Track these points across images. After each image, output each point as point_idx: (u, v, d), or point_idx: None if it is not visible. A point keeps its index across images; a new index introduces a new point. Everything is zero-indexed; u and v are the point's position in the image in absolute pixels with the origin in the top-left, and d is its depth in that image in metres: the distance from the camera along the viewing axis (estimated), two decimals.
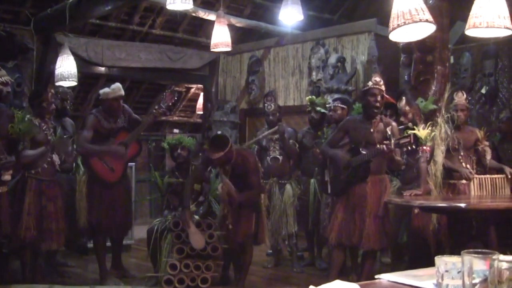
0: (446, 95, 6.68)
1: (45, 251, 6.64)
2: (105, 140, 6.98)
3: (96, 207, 6.99)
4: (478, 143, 6.90)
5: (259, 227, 6.54)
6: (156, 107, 7.30)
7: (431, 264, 2.03)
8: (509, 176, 6.78)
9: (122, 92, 7.24)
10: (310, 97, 8.16)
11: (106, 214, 6.99)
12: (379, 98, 6.05)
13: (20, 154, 6.27)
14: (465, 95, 6.94)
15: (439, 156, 6.51)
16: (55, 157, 6.58)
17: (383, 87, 6.08)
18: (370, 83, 6.14)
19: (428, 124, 6.29)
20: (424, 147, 5.93)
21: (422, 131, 5.99)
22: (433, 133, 6.19)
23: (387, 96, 6.11)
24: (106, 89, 7.21)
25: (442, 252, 6.50)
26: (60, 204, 6.65)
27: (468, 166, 6.77)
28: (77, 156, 7.23)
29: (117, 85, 7.27)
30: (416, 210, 6.38)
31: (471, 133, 6.92)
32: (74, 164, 7.33)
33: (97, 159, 6.93)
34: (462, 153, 6.79)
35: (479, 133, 6.92)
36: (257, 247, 6.88)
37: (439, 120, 6.54)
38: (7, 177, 5.94)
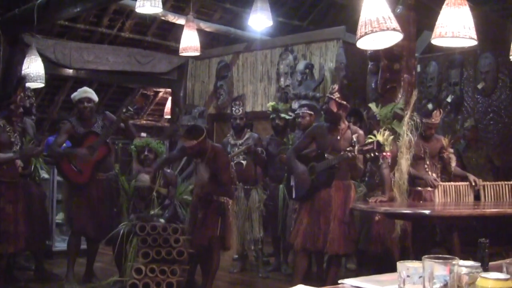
0: (411, 103, 6.73)
1: (1, 254, 6.55)
2: (79, 144, 7.01)
3: (73, 208, 7.07)
4: (443, 151, 6.98)
5: (226, 232, 6.54)
6: (124, 110, 7.27)
7: (395, 270, 2.06)
8: (473, 184, 6.87)
9: (89, 95, 7.18)
10: (272, 103, 8.19)
11: (84, 215, 7.01)
12: (330, 105, 6.12)
13: None
14: (441, 113, 7.00)
15: (404, 165, 6.56)
16: (18, 160, 6.55)
17: (335, 95, 6.10)
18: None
19: (384, 129, 6.36)
20: (384, 153, 5.97)
21: (379, 136, 6.04)
22: (390, 137, 6.23)
23: (343, 102, 6.11)
24: (74, 93, 7.26)
25: (407, 258, 6.57)
26: (20, 207, 6.57)
27: (433, 174, 6.84)
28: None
29: (84, 88, 7.31)
30: (377, 217, 6.42)
31: (436, 141, 7.00)
32: (32, 168, 7.26)
33: (66, 162, 6.97)
34: (428, 162, 6.87)
35: (444, 141, 7.01)
36: (224, 252, 6.87)
37: (404, 128, 6.60)
38: None
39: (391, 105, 6.84)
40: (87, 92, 7.19)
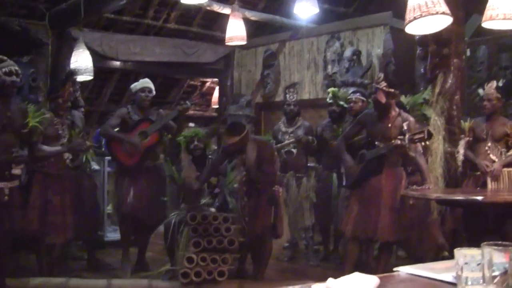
0: (438, 86, 6.69)
1: (51, 245, 6.64)
2: (131, 130, 7.25)
3: (121, 192, 7.30)
4: (508, 138, 6.82)
5: (277, 220, 6.55)
6: (182, 102, 7.39)
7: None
8: None
9: (150, 85, 7.49)
10: (332, 89, 8.11)
11: (132, 199, 7.21)
12: (378, 96, 6.06)
13: (35, 148, 6.31)
14: (495, 85, 6.87)
15: (438, 148, 6.53)
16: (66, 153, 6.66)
17: (381, 84, 6.03)
18: None
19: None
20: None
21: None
22: (416, 125, 6.17)
23: (390, 90, 6.04)
24: (135, 83, 7.60)
25: (448, 244, 6.52)
26: (68, 198, 6.66)
27: (494, 157, 6.71)
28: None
29: (145, 79, 7.67)
30: (411, 201, 6.34)
31: (501, 124, 6.85)
32: (83, 160, 7.37)
33: (117, 144, 7.25)
34: (489, 144, 6.74)
35: (508, 128, 6.84)
36: (274, 240, 6.88)
37: (431, 112, 6.56)
38: (17, 171, 5.95)
39: (419, 94, 6.79)
40: (149, 83, 7.50)
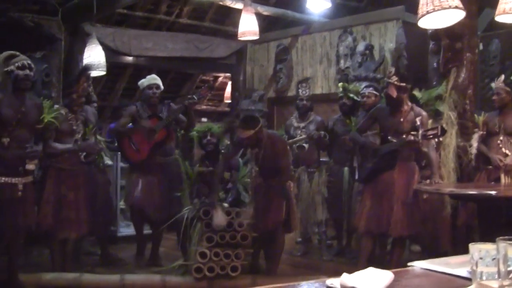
0: (451, 81, 6.67)
1: (64, 240, 6.66)
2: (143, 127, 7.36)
3: (131, 187, 7.48)
4: None
5: (290, 214, 6.55)
6: (189, 97, 7.40)
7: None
8: None
9: (157, 81, 7.52)
10: (343, 83, 8.11)
11: (142, 194, 7.38)
12: (389, 90, 6.04)
13: (47, 144, 6.33)
14: (503, 78, 6.84)
15: (450, 143, 6.53)
16: None
17: (393, 79, 6.02)
18: None
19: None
20: None
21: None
22: (429, 121, 6.18)
23: (402, 85, 6.03)
24: (142, 80, 7.60)
25: (461, 238, 6.51)
26: (82, 194, 6.67)
27: (507, 151, 6.68)
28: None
29: (152, 75, 7.65)
30: (425, 195, 6.33)
31: None
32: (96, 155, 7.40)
33: (126, 140, 7.37)
34: (501, 137, 6.71)
35: None
36: (287, 235, 6.88)
37: (444, 107, 6.54)
38: (31, 166, 5.96)
39: (433, 89, 6.78)
40: (156, 79, 7.51)
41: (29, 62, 5.91)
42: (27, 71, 5.83)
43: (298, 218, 7.08)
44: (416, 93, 6.85)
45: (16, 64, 5.81)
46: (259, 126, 6.10)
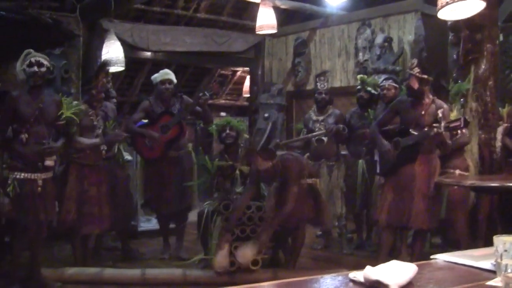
0: (472, 71, 6.65)
1: (85, 235, 6.70)
2: (154, 122, 7.44)
3: (144, 181, 7.69)
4: None
5: (320, 210, 6.57)
6: (201, 94, 7.39)
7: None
8: None
9: (170, 76, 7.53)
10: (361, 76, 8.08)
11: (154, 188, 7.53)
12: (410, 81, 6.01)
13: (73, 139, 6.36)
14: None
15: (474, 134, 6.52)
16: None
17: (415, 70, 5.99)
18: None
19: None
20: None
21: (452, 113, 5.97)
22: (452, 114, 6.16)
23: (424, 77, 5.99)
24: (155, 74, 7.58)
25: (478, 231, 6.49)
26: (104, 189, 6.72)
27: None
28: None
29: (165, 70, 7.65)
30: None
31: None
32: (115, 151, 7.44)
33: (140, 138, 7.43)
34: None
35: None
36: (307, 229, 6.87)
37: (469, 98, 6.52)
38: (49, 162, 5.97)
39: (464, 82, 6.74)
40: (168, 74, 7.53)
41: (38, 59, 5.90)
42: (35, 68, 5.84)
43: (329, 213, 7.07)
44: (451, 84, 6.83)
45: (31, 60, 5.84)
46: (276, 158, 6.08)
